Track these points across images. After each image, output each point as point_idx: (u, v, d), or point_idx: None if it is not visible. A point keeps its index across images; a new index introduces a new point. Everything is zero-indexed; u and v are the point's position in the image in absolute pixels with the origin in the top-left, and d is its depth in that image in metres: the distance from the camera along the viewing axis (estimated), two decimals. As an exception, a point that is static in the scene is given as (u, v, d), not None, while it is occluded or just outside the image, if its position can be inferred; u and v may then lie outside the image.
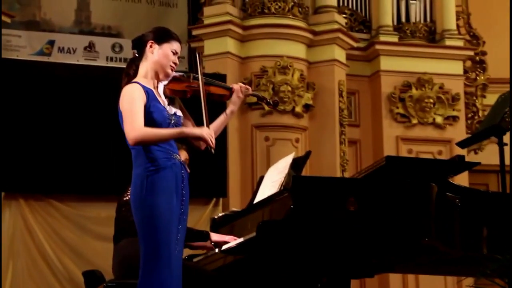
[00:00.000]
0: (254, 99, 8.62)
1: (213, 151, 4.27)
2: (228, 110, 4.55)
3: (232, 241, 5.09)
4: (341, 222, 4.50)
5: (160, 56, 4.30)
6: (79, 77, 8.32)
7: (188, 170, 5.35)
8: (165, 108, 4.25)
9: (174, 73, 4.40)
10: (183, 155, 5.30)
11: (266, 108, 8.69)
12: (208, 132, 4.26)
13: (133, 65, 4.36)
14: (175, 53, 4.34)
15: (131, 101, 4.15)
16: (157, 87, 4.33)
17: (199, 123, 4.42)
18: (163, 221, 4.06)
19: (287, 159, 5.27)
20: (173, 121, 4.26)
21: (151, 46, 4.31)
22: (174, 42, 4.35)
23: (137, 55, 4.36)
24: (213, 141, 4.26)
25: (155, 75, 4.32)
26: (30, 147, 7.99)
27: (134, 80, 4.27)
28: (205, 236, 5.41)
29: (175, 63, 4.35)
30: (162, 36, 4.34)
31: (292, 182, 4.59)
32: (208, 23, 9.00)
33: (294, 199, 4.52)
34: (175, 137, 4.22)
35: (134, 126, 4.10)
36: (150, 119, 4.16)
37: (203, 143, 4.32)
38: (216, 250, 5.13)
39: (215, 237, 5.33)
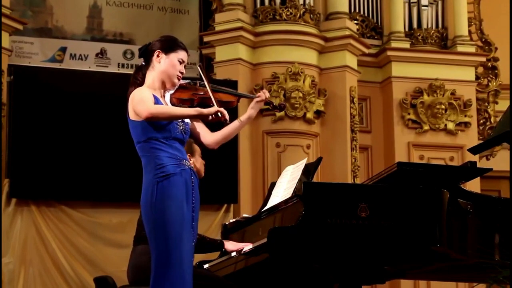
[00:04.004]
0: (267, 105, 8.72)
1: (228, 122, 4.27)
2: (245, 115, 4.53)
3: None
4: (352, 228, 4.49)
5: (167, 65, 4.30)
6: (91, 84, 8.34)
7: (202, 175, 5.35)
8: None
9: (181, 81, 4.41)
10: (198, 162, 5.30)
11: (277, 114, 8.70)
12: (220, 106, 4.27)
13: (140, 73, 4.37)
14: (181, 62, 4.34)
15: (141, 94, 4.19)
16: (163, 96, 4.34)
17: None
18: (174, 227, 4.07)
19: (299, 165, 5.27)
20: (181, 128, 4.26)
21: (158, 56, 4.31)
22: (181, 51, 4.35)
23: (143, 63, 4.37)
24: (226, 113, 4.24)
25: (162, 85, 4.32)
26: (41, 153, 8.01)
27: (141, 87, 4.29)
28: (220, 246, 5.38)
29: (181, 72, 4.35)
30: (169, 45, 4.34)
31: (303, 188, 4.59)
32: (219, 30, 9.01)
33: (305, 205, 4.52)
34: (191, 116, 4.22)
35: (146, 104, 4.13)
36: (156, 124, 4.17)
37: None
38: (233, 254, 5.13)
39: (230, 245, 5.30)
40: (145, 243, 4.94)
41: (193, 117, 4.26)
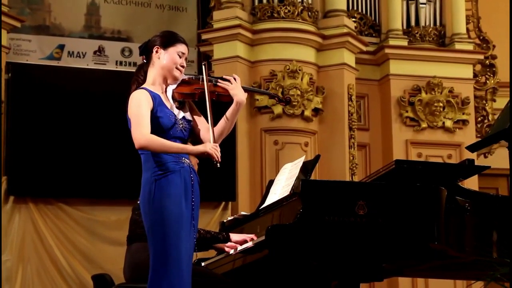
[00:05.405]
0: (265, 103, 8.72)
1: (218, 165, 4.16)
2: (233, 104, 4.43)
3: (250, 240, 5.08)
4: (350, 226, 4.49)
5: (167, 60, 4.29)
6: (89, 81, 8.35)
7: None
8: (173, 113, 4.25)
9: (184, 76, 4.39)
10: (193, 160, 5.29)
11: (275, 112, 8.71)
12: (212, 147, 4.18)
13: (142, 71, 4.36)
14: (181, 56, 4.33)
15: (138, 107, 4.16)
16: (165, 91, 4.33)
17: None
18: (172, 225, 4.06)
19: (297, 163, 5.27)
20: (181, 126, 4.25)
21: (157, 52, 4.30)
22: (180, 44, 4.33)
23: (145, 61, 4.36)
24: (219, 155, 4.17)
25: (163, 81, 4.31)
26: (39, 151, 8.02)
27: (142, 87, 4.27)
28: (226, 240, 5.34)
29: (182, 66, 4.34)
30: (168, 40, 4.32)
31: (301, 186, 4.58)
32: (217, 27, 9.01)
33: (303, 203, 4.52)
34: (178, 152, 4.17)
35: (142, 131, 4.10)
36: (158, 124, 4.16)
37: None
38: (231, 251, 5.13)
39: (235, 237, 5.27)
40: (139, 241, 4.96)
41: (179, 153, 4.22)
